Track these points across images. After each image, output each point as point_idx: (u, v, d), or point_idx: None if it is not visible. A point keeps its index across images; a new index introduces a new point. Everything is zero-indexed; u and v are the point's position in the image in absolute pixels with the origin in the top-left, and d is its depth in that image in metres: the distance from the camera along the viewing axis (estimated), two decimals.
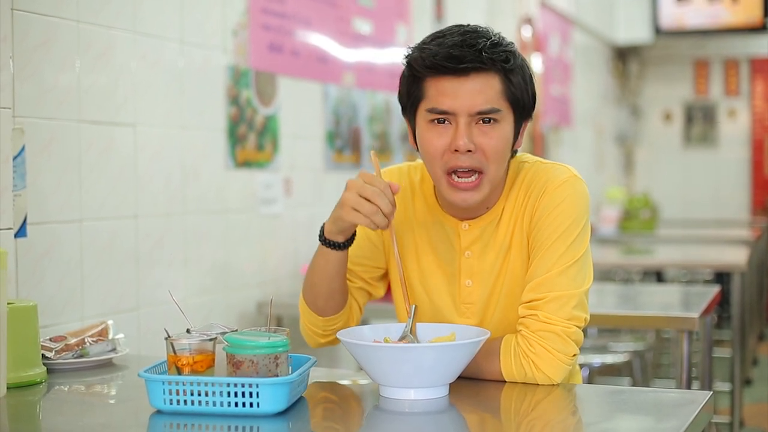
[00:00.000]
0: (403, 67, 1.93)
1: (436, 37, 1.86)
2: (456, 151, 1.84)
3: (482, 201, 1.91)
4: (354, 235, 1.93)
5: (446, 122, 1.86)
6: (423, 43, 1.88)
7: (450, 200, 1.91)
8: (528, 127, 1.99)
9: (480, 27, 1.88)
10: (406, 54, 1.91)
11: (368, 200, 1.80)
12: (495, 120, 1.85)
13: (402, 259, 2.02)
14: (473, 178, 1.86)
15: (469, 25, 1.89)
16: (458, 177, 1.87)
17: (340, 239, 1.91)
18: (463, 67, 1.81)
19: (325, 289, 1.97)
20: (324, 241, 1.91)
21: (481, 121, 1.85)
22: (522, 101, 1.89)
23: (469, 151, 1.83)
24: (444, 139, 1.85)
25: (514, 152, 1.96)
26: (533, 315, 1.83)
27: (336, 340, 2.01)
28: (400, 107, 1.99)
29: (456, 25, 1.89)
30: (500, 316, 1.96)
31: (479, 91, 1.83)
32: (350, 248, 2.00)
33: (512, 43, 1.89)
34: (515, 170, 1.97)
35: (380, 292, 2.11)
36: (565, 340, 1.81)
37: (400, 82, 1.95)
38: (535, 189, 1.92)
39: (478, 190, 1.87)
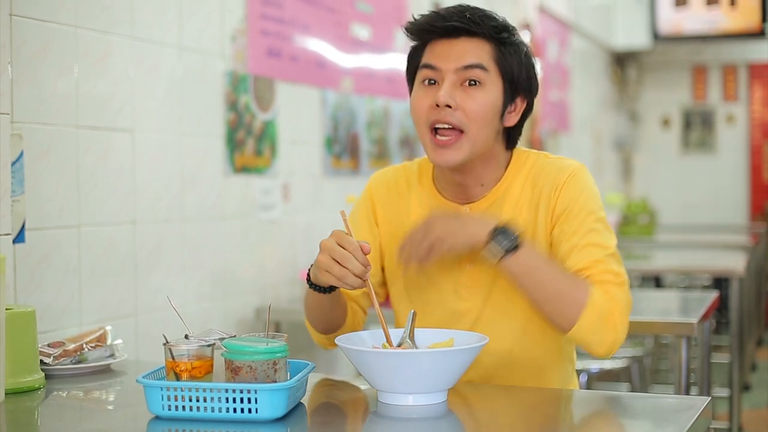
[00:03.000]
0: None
1: (433, 10, 1.98)
2: (437, 106, 1.89)
3: (464, 163, 1.93)
4: None
5: (436, 83, 1.93)
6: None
7: (433, 161, 1.94)
8: (526, 133, 2.01)
9: (482, 8, 1.97)
10: (404, 26, 2.01)
11: (339, 263, 1.78)
12: (480, 83, 1.90)
13: (396, 264, 2.00)
14: (452, 136, 1.90)
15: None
16: (440, 135, 1.91)
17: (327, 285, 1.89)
18: (448, 25, 1.91)
19: (325, 318, 2.00)
20: (312, 286, 1.91)
21: (467, 83, 1.91)
22: (514, 73, 1.94)
23: (448, 106, 1.89)
24: (430, 98, 1.92)
25: (513, 139, 2.01)
26: (608, 273, 1.87)
27: None
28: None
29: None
30: (504, 300, 1.96)
31: (468, 50, 1.92)
32: None
33: (513, 27, 1.96)
34: (519, 158, 2.01)
35: (380, 298, 2.09)
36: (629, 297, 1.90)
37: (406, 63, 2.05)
38: (547, 184, 1.95)
39: (457, 149, 1.90)
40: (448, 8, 1.96)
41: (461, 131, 1.90)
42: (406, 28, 2.00)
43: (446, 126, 1.90)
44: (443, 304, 2.00)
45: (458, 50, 1.91)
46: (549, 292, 1.84)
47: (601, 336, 1.83)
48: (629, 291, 1.90)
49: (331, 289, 1.90)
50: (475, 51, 1.91)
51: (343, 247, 1.78)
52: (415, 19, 1.99)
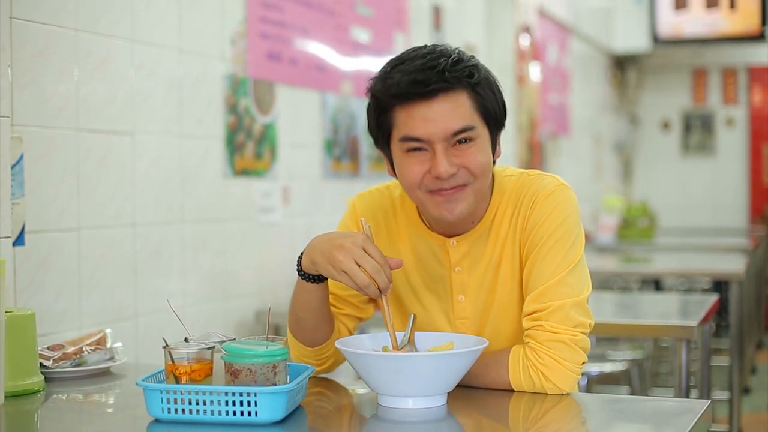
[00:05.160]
0: (368, 98, 1.88)
1: (396, 64, 1.82)
2: (438, 178, 1.81)
3: (469, 212, 1.88)
4: None
5: (423, 150, 1.82)
6: (384, 72, 1.84)
7: (439, 216, 1.86)
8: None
9: (439, 46, 1.84)
10: (369, 86, 1.87)
11: (365, 271, 1.73)
12: (471, 139, 1.82)
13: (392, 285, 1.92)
14: (455, 187, 1.83)
15: (427, 46, 1.85)
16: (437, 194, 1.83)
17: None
18: (430, 90, 1.77)
19: (311, 321, 1.93)
20: (303, 275, 1.86)
21: (457, 143, 1.81)
22: (493, 113, 1.85)
23: (452, 175, 1.81)
24: (423, 166, 1.82)
25: (494, 161, 1.94)
26: (539, 326, 1.82)
27: (333, 366, 2.00)
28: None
29: (415, 48, 1.85)
30: (494, 329, 1.94)
31: (450, 111, 1.79)
32: None
33: (473, 56, 1.86)
34: (501, 184, 1.95)
35: (369, 313, 2.07)
36: (573, 349, 1.81)
37: (367, 114, 1.90)
38: (524, 201, 1.90)
39: (464, 199, 1.84)
40: (415, 63, 1.79)
41: (464, 184, 1.83)
42: (375, 95, 1.84)
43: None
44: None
45: (440, 116, 1.78)
46: (475, 383, 1.84)
47: (546, 388, 1.81)
48: (585, 339, 1.84)
49: (325, 278, 1.86)
50: (458, 111, 1.79)
51: (371, 256, 1.74)
52: (381, 80, 1.83)
